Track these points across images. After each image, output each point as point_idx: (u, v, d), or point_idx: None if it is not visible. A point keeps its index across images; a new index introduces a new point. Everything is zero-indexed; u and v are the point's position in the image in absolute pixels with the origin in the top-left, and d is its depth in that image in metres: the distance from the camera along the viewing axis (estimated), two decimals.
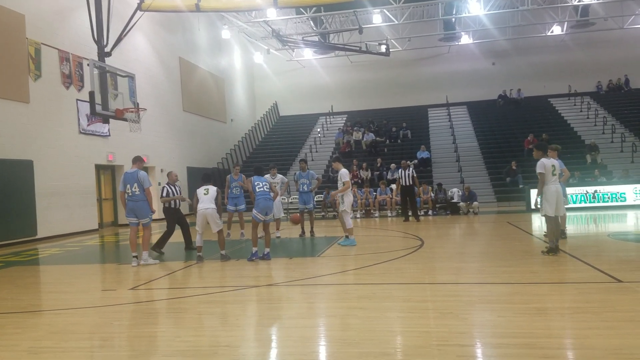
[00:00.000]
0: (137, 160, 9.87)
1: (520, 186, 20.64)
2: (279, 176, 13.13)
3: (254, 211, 9.39)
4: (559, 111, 29.17)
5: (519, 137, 25.26)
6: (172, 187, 11.00)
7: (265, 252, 9.43)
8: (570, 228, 12.33)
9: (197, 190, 9.80)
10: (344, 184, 10.73)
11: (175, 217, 11.20)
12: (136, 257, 9.59)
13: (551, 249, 8.66)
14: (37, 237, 14.96)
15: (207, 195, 9.57)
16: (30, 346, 4.90)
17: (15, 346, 4.92)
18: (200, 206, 9.50)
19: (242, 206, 12.96)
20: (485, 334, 4.83)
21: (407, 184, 16.34)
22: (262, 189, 9.44)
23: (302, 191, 12.69)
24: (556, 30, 30.25)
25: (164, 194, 10.93)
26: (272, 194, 9.53)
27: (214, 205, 9.53)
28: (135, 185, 9.41)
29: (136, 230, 9.68)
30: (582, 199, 18.14)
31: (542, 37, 30.96)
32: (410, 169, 16.62)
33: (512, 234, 12.10)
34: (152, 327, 5.55)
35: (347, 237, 10.91)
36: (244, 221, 13.16)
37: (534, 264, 8.14)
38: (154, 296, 7.18)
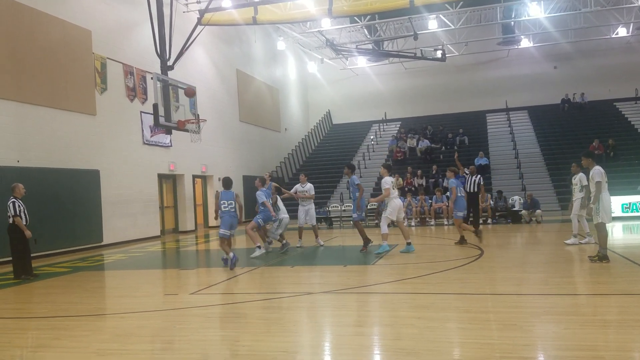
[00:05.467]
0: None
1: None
2: (309, 185, 12.95)
3: (221, 230, 9.87)
4: (625, 115, 27.74)
5: (583, 142, 24.17)
6: None
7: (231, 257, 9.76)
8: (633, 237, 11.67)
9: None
10: (384, 192, 10.68)
11: None
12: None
13: (603, 256, 8.46)
14: (102, 243, 15.63)
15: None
16: (98, 348, 5.11)
17: (84, 348, 5.14)
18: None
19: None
20: (551, 346, 4.63)
21: (473, 190, 15.88)
22: (227, 208, 9.86)
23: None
24: (621, 32, 28.85)
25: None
26: (237, 212, 9.99)
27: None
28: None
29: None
30: None
31: (606, 40, 29.62)
32: (478, 175, 16.15)
33: (577, 244, 11.55)
34: (212, 331, 5.67)
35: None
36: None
37: (600, 274, 7.75)
38: (214, 301, 7.33)
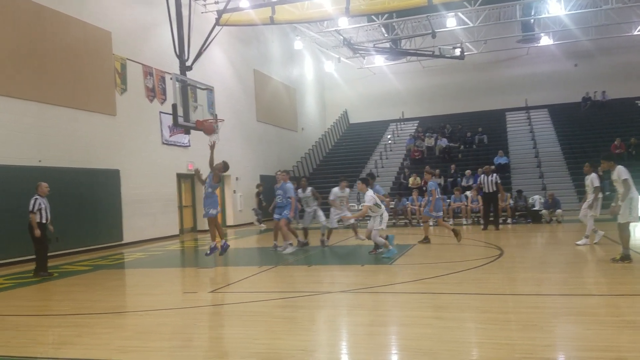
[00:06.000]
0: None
1: (607, 193, 19.39)
2: (348, 190, 12.71)
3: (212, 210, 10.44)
4: None
5: (604, 141, 23.79)
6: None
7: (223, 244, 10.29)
8: None
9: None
10: (363, 208, 10.09)
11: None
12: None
13: (626, 256, 8.36)
14: (122, 242, 15.83)
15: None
16: (120, 345, 5.18)
17: (106, 345, 5.22)
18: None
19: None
20: (572, 347, 4.58)
21: (490, 190, 15.76)
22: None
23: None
24: None
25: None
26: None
27: None
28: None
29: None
30: None
31: (627, 37, 29.04)
32: (494, 174, 16.03)
33: (598, 243, 11.38)
34: (231, 329, 5.71)
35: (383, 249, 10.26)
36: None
37: (623, 274, 7.62)
38: (232, 299, 7.38)
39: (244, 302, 7.15)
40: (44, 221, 9.87)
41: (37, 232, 9.72)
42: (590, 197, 10.84)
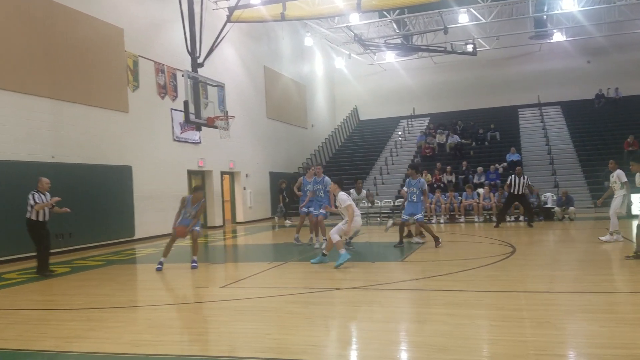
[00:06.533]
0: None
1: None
2: (365, 192, 12.51)
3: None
4: None
5: (618, 138, 23.52)
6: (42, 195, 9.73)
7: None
8: None
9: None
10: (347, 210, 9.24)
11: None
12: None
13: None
14: (134, 237, 15.92)
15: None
16: (132, 339, 5.20)
17: (118, 338, 5.24)
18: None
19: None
20: (586, 344, 4.52)
21: (520, 192, 15.74)
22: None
23: (411, 201, 11.51)
24: None
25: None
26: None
27: None
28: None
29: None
30: None
31: None
32: (525, 176, 16.00)
33: (611, 241, 11.25)
34: (243, 324, 5.71)
35: (324, 254, 9.47)
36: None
37: (636, 272, 7.53)
38: (243, 294, 7.38)
39: (255, 297, 7.16)
40: (40, 219, 9.52)
41: (54, 200, 9.52)
42: (619, 193, 10.68)
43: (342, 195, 9.41)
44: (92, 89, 14.77)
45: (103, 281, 9.02)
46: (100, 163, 14.78)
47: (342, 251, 8.96)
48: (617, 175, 10.66)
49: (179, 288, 8.31)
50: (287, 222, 20.37)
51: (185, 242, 11.00)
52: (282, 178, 23.37)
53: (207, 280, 8.92)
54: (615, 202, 10.70)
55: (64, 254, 12.91)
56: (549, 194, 18.39)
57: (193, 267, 9.72)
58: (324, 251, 9.48)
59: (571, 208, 16.97)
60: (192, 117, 13.70)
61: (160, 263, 9.75)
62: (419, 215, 11.38)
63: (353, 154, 29.47)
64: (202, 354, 4.80)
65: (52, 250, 10.29)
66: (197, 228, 10.19)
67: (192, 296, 7.55)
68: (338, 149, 31.41)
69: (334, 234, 9.10)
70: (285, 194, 21.11)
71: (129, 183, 15.82)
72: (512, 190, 15.81)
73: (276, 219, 22.07)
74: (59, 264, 11.10)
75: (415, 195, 11.34)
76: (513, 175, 16.02)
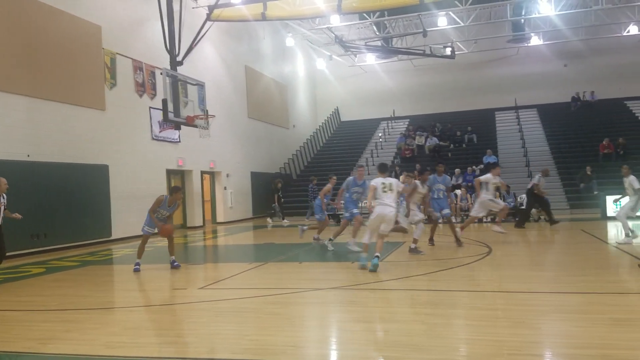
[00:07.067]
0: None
1: (595, 192, 19.59)
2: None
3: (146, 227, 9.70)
4: (636, 114, 27.51)
5: (593, 141, 24.03)
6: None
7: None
8: None
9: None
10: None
11: None
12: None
13: None
14: (111, 238, 15.71)
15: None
16: (108, 341, 5.14)
17: (93, 340, 5.18)
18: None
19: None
20: (560, 344, 4.62)
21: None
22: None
23: (438, 197, 11.61)
24: (633, 30, 28.53)
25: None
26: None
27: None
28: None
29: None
30: None
31: (617, 38, 29.34)
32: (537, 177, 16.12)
33: (587, 242, 11.50)
34: (222, 325, 5.69)
35: None
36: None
37: (610, 273, 7.71)
38: (222, 295, 7.34)
39: (235, 298, 7.13)
40: None
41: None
42: (633, 198, 10.89)
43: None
44: (69, 86, 14.54)
45: (79, 282, 8.89)
46: (76, 162, 14.55)
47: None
48: (630, 182, 10.88)
49: (157, 289, 8.23)
50: (285, 222, 20.29)
51: (162, 243, 10.86)
52: (278, 177, 23.32)
53: (186, 281, 8.85)
54: (627, 206, 11.01)
55: (39, 254, 12.69)
56: (524, 196, 18.63)
57: (176, 267, 9.63)
58: (376, 254, 8.46)
59: None
60: (171, 115, 13.58)
61: (137, 264, 9.63)
62: (446, 210, 11.76)
63: (334, 155, 29.54)
64: (179, 355, 4.77)
65: (26, 251, 10.09)
66: None
67: (170, 297, 7.49)
68: (319, 149, 31.45)
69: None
70: (281, 194, 21.04)
71: (106, 182, 15.60)
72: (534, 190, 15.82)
73: (269, 219, 21.93)
74: (34, 265, 10.91)
75: (441, 192, 11.76)
76: (539, 175, 16.10)
